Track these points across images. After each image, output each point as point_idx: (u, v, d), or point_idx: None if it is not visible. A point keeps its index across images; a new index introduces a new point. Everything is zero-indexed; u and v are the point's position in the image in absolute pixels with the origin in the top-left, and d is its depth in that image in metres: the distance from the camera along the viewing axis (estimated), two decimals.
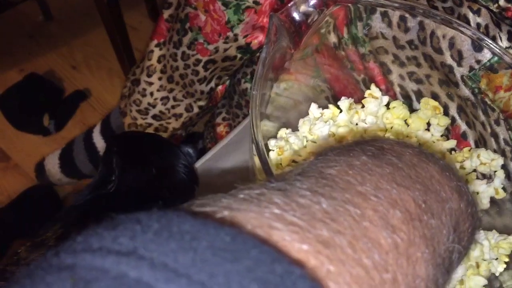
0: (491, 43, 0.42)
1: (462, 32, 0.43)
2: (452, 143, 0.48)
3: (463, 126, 0.48)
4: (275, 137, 0.49)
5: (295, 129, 0.49)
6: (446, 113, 0.49)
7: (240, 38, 0.67)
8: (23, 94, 1.11)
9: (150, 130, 0.86)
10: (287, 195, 0.20)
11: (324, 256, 0.17)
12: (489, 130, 0.45)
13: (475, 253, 0.44)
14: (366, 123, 0.49)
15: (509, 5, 0.45)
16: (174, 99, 0.81)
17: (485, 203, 0.46)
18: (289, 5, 0.42)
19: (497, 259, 0.44)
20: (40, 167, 1.03)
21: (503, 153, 0.45)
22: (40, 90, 1.12)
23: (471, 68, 0.44)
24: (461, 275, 0.43)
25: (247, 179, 0.49)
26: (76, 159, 1.01)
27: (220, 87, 0.81)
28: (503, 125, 0.44)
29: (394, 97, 0.51)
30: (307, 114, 0.49)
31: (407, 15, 0.46)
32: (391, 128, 0.49)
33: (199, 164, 0.65)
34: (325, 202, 0.19)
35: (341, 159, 0.23)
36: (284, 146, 0.47)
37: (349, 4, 0.46)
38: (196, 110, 0.83)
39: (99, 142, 0.99)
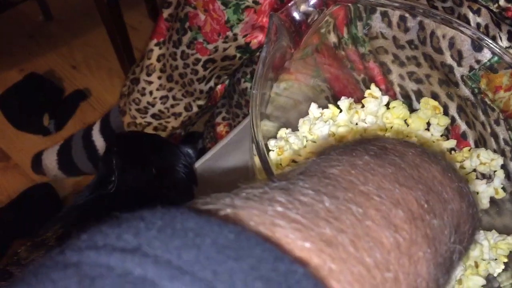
0: (491, 43, 0.42)
1: (462, 32, 0.43)
2: (452, 143, 0.48)
3: (463, 126, 0.48)
4: (275, 137, 0.49)
5: (295, 129, 0.49)
6: (446, 113, 0.49)
7: (240, 38, 0.67)
8: (23, 94, 1.11)
9: (149, 129, 0.86)
10: (290, 194, 0.20)
11: (327, 254, 0.17)
12: (489, 130, 0.45)
13: (474, 253, 0.44)
14: (366, 123, 0.49)
15: (509, 5, 0.46)
16: (174, 98, 0.81)
17: (484, 203, 0.46)
18: (289, 4, 0.42)
19: (496, 259, 0.44)
20: (37, 159, 1.03)
21: (503, 153, 0.45)
22: (40, 90, 1.12)
23: (471, 68, 0.44)
24: (459, 274, 0.43)
25: (247, 179, 0.49)
26: (75, 157, 1.01)
27: (219, 87, 0.81)
28: (503, 125, 0.44)
29: (394, 97, 0.51)
30: (307, 114, 0.49)
31: (407, 15, 0.46)
32: (391, 128, 0.49)
33: (199, 164, 0.65)
34: (327, 200, 0.19)
35: (344, 159, 0.23)
36: (284, 146, 0.47)
37: (349, 4, 0.47)
38: (195, 109, 0.83)
39: (98, 141, 0.99)
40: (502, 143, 0.45)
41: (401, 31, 0.47)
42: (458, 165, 0.47)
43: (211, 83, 0.78)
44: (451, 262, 0.23)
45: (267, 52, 0.41)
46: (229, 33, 0.66)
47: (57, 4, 1.30)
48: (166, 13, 0.76)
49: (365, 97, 0.50)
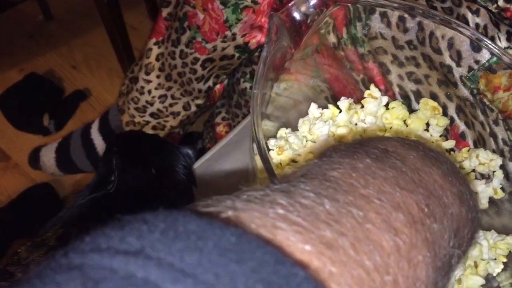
0: (490, 44, 0.42)
1: (461, 33, 0.43)
2: (451, 143, 0.49)
3: (462, 126, 0.48)
4: (275, 137, 0.49)
5: (295, 128, 0.49)
6: (445, 113, 0.49)
7: (238, 37, 0.67)
8: (23, 94, 1.11)
9: (147, 128, 0.86)
10: (291, 196, 0.20)
11: (327, 257, 0.17)
12: (488, 130, 0.46)
13: (473, 252, 0.44)
14: (365, 123, 0.49)
15: (508, 6, 0.46)
16: (172, 97, 0.82)
17: (483, 203, 0.47)
18: (289, 4, 0.43)
19: (495, 259, 0.44)
20: (35, 155, 1.03)
21: (501, 153, 0.45)
22: (40, 90, 1.12)
23: (470, 69, 0.44)
24: (459, 274, 0.43)
25: (247, 179, 0.49)
26: (73, 155, 1.00)
27: (218, 86, 0.81)
28: (502, 125, 0.44)
29: (393, 97, 0.51)
30: (307, 114, 0.49)
31: (406, 15, 0.46)
32: (391, 128, 0.49)
33: (198, 164, 0.65)
34: (328, 203, 0.20)
35: (345, 162, 0.23)
36: (284, 145, 0.47)
37: (349, 4, 0.47)
38: (193, 108, 0.83)
39: (97, 139, 0.99)
40: (501, 143, 0.45)
41: (400, 31, 0.47)
42: (457, 165, 0.47)
43: (210, 83, 0.78)
44: (450, 266, 0.23)
45: (268, 52, 0.41)
46: (228, 33, 0.67)
47: (57, 4, 1.30)
48: (165, 12, 0.76)
49: (365, 98, 0.50)
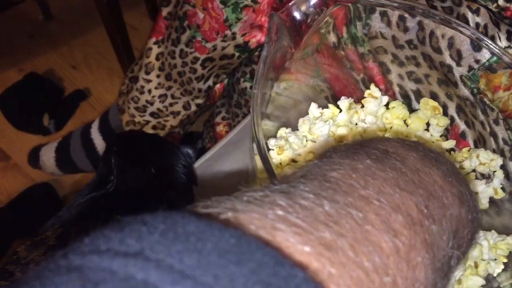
0: (490, 43, 0.42)
1: (461, 32, 0.43)
2: (451, 143, 0.49)
3: (462, 126, 0.48)
4: (275, 136, 0.49)
5: (295, 128, 0.49)
6: (445, 112, 0.49)
7: (238, 37, 0.67)
8: (23, 93, 1.11)
9: (148, 128, 0.86)
10: (290, 197, 0.20)
11: (326, 258, 0.17)
12: (488, 129, 0.46)
13: (474, 253, 0.44)
14: (365, 123, 0.49)
15: (508, 5, 0.46)
16: (172, 96, 0.81)
17: (484, 203, 0.47)
18: (289, 4, 0.43)
19: (495, 259, 0.44)
20: (35, 154, 1.03)
21: (502, 153, 0.45)
22: (40, 90, 1.12)
23: (470, 68, 0.44)
24: (459, 275, 0.43)
25: (247, 179, 0.49)
26: (73, 154, 1.00)
27: (218, 86, 0.81)
28: (502, 124, 0.44)
29: (393, 97, 0.51)
30: (307, 113, 0.49)
31: (406, 14, 0.46)
32: (391, 128, 0.49)
33: (198, 164, 0.65)
34: (328, 204, 0.20)
35: (345, 162, 0.23)
36: (284, 145, 0.47)
37: (349, 4, 0.47)
38: (193, 108, 0.83)
39: (97, 139, 0.99)
40: (501, 142, 0.45)
41: (400, 31, 0.47)
42: (457, 165, 0.47)
43: (210, 82, 0.78)
44: (449, 267, 0.23)
45: (268, 52, 0.41)
46: (228, 32, 0.67)
47: (57, 3, 1.30)
48: (165, 11, 0.76)
49: (365, 97, 0.50)
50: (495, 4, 0.46)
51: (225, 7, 0.64)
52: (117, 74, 1.18)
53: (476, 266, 0.44)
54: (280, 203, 0.19)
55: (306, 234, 0.18)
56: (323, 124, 0.47)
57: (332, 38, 0.50)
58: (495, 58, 0.43)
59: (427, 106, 0.48)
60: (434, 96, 0.49)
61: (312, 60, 0.50)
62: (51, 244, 0.51)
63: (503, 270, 0.44)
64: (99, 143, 0.99)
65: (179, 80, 0.78)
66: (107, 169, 0.62)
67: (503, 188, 0.46)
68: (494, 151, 0.46)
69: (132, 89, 0.83)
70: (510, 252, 0.44)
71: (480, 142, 0.47)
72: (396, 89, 0.51)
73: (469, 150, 0.48)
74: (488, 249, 0.44)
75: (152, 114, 0.84)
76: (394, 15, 0.46)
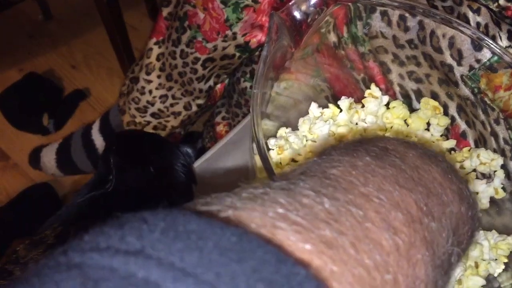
0: (490, 43, 0.42)
1: (461, 32, 0.43)
2: (451, 143, 0.48)
3: (463, 126, 0.48)
4: (275, 136, 0.49)
5: (295, 128, 0.49)
6: (445, 112, 0.49)
7: (239, 37, 0.67)
8: (23, 93, 1.10)
9: (148, 128, 0.86)
10: (291, 195, 0.20)
11: (327, 256, 0.17)
12: (489, 129, 0.45)
13: (474, 253, 0.44)
14: (366, 123, 0.49)
15: (509, 4, 0.46)
16: (173, 97, 0.81)
17: (484, 202, 0.46)
18: (290, 3, 0.42)
19: (496, 259, 0.44)
20: (35, 156, 1.03)
21: (502, 153, 0.45)
22: (40, 90, 1.12)
23: (471, 68, 0.44)
24: (459, 275, 0.43)
25: (247, 178, 0.49)
26: (74, 156, 1.00)
27: (219, 86, 0.81)
28: (503, 124, 0.44)
29: (393, 97, 0.51)
30: (307, 113, 0.49)
31: (407, 14, 0.46)
32: (391, 127, 0.49)
33: (198, 163, 0.65)
34: (328, 202, 0.20)
35: (345, 159, 0.23)
36: (284, 145, 0.47)
37: (349, 4, 0.47)
38: (194, 108, 0.83)
39: (98, 140, 0.99)
40: (502, 142, 0.45)
41: (401, 30, 0.47)
42: (458, 165, 0.47)
43: (211, 82, 0.78)
44: (450, 264, 0.23)
45: (268, 51, 0.41)
46: (229, 32, 0.66)
47: (57, 3, 1.30)
48: (165, 11, 0.76)
49: (365, 97, 0.50)
50: (496, 4, 0.46)
51: (225, 7, 0.64)
52: (117, 74, 1.18)
53: (477, 266, 0.44)
54: (280, 201, 0.19)
55: (306, 232, 0.18)
56: (323, 123, 0.47)
57: (333, 37, 0.50)
58: (496, 57, 0.43)
59: (427, 105, 0.48)
60: (434, 96, 0.49)
61: (312, 60, 0.50)
62: (50, 243, 0.51)
63: (503, 270, 0.44)
64: (100, 144, 0.99)
65: (180, 81, 0.78)
66: (106, 168, 0.62)
67: (503, 188, 0.46)
68: (494, 151, 0.46)
69: (133, 90, 0.83)
70: (510, 252, 0.44)
71: (480, 142, 0.47)
72: (397, 88, 0.51)
73: (469, 150, 0.47)
74: (489, 249, 0.44)
75: (153, 115, 0.84)
76: (394, 15, 0.46)
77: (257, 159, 0.38)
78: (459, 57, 0.45)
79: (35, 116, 1.09)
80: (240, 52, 0.70)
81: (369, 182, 0.22)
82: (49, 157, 1.01)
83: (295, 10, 0.43)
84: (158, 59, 0.78)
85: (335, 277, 0.17)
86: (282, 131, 0.48)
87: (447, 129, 0.49)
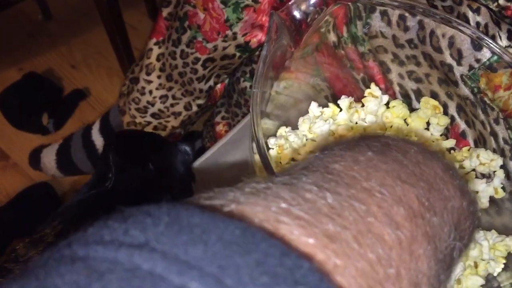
0: (490, 42, 0.42)
1: (461, 31, 0.43)
2: (451, 142, 0.49)
3: (463, 125, 0.48)
4: (275, 135, 0.49)
5: (295, 127, 0.49)
6: (445, 112, 0.49)
7: (239, 37, 0.67)
8: (22, 93, 1.10)
9: (149, 129, 0.86)
10: (293, 190, 0.20)
11: (331, 250, 0.17)
12: (488, 129, 0.46)
13: (474, 253, 0.44)
14: (366, 122, 0.49)
15: (509, 4, 0.46)
16: (173, 97, 0.81)
17: (484, 202, 0.46)
18: (289, 3, 0.43)
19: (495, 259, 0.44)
20: (36, 156, 1.03)
21: (502, 152, 0.45)
22: (39, 89, 1.12)
23: (471, 67, 0.44)
24: (459, 274, 0.43)
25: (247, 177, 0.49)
26: (74, 156, 1.00)
27: (219, 86, 0.81)
28: (503, 124, 0.44)
29: (393, 96, 0.51)
30: (307, 112, 0.49)
31: (406, 14, 0.46)
32: (391, 127, 0.49)
33: (198, 163, 0.65)
34: (330, 197, 0.20)
35: (347, 154, 0.23)
36: (284, 144, 0.47)
37: (349, 3, 0.47)
38: (195, 108, 0.83)
39: (98, 140, 0.99)
40: (501, 142, 0.45)
41: (400, 30, 0.47)
42: (457, 164, 0.47)
43: (211, 82, 0.78)
44: (452, 258, 0.23)
45: (268, 51, 0.41)
46: (229, 32, 0.66)
47: (57, 3, 1.30)
48: (165, 12, 0.76)
49: (365, 96, 0.50)
50: (496, 3, 0.46)
51: (225, 7, 0.64)
52: (117, 74, 1.18)
53: (476, 266, 0.44)
54: (283, 196, 0.19)
55: (310, 226, 0.18)
56: (323, 123, 0.47)
57: (332, 37, 0.50)
58: (495, 57, 0.43)
59: (427, 105, 0.48)
60: (434, 95, 0.49)
61: (312, 59, 0.50)
62: (50, 241, 0.51)
63: (503, 269, 0.44)
64: (100, 145, 0.99)
65: (180, 81, 0.78)
66: (106, 166, 0.62)
67: (503, 188, 0.46)
68: (494, 151, 0.46)
69: (133, 90, 0.83)
70: (508, 253, 0.44)
71: (480, 142, 0.47)
72: (397, 88, 0.51)
73: (469, 150, 0.48)
74: (488, 249, 0.44)
75: (153, 115, 0.84)
76: (394, 14, 0.46)
77: (257, 158, 0.38)
78: (458, 56, 0.45)
79: (35, 115, 1.09)
80: (241, 52, 0.70)
81: (371, 177, 0.22)
82: (49, 158, 1.01)
83: (295, 9, 0.43)
84: (158, 59, 0.78)
85: (338, 271, 0.17)
86: (282, 130, 0.48)
87: (446, 128, 0.49)
